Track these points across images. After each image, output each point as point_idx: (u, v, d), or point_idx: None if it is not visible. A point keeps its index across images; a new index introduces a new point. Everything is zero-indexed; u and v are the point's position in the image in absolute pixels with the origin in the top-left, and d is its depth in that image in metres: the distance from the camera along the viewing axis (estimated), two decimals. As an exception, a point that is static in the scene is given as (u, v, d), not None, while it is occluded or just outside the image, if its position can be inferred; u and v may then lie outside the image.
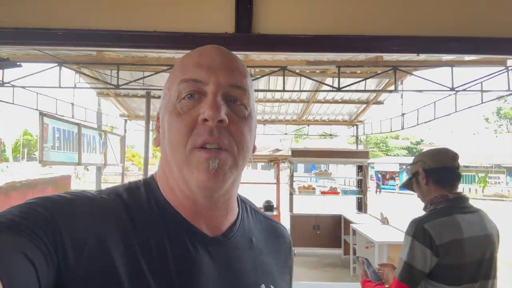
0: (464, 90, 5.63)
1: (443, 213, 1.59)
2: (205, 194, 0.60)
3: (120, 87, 5.85)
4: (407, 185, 1.81)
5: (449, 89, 5.37)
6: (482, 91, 5.71)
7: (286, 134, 11.72)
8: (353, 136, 11.28)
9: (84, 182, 28.57)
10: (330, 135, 12.46)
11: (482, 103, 5.68)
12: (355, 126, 10.70)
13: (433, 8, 1.75)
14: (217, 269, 0.60)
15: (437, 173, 1.69)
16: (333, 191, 7.80)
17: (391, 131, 9.60)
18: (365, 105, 9.36)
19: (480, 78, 5.87)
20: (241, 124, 0.60)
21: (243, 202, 0.75)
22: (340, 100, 9.07)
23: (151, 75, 5.97)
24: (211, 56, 0.62)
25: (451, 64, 5.67)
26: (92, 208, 0.56)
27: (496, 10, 1.73)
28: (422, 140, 43.41)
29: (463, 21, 1.72)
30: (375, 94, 8.64)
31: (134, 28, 1.65)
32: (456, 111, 6.52)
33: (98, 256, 0.51)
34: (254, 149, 0.68)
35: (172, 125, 0.59)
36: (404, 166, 31.78)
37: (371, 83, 7.62)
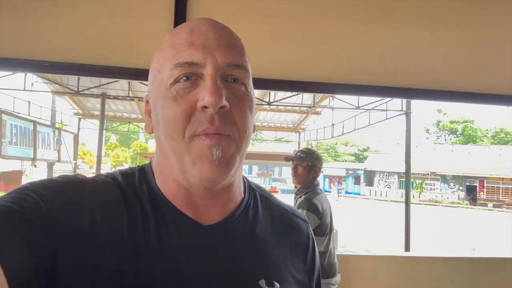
0: (372, 109, 6.88)
1: (317, 193, 2.58)
2: (206, 186, 0.55)
3: (80, 92, 6.36)
4: (298, 166, 2.70)
5: (355, 107, 6.62)
6: (387, 110, 6.96)
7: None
8: (304, 141, 12.39)
9: (31, 179, 27.69)
10: (287, 141, 13.49)
11: (386, 119, 6.94)
12: (298, 133, 11.78)
13: (366, 61, 2.26)
14: (206, 259, 0.56)
15: (319, 170, 2.70)
16: (273, 190, 8.77)
17: (324, 139, 10.80)
18: (305, 115, 10.43)
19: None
20: (242, 107, 0.55)
21: (252, 189, 0.69)
22: (283, 110, 10.06)
23: (109, 83, 6.51)
24: (204, 33, 0.56)
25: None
26: (84, 192, 0.55)
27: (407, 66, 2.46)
28: (368, 148, 46.20)
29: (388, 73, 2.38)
30: (313, 105, 9.73)
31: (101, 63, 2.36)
32: (358, 128, 7.75)
33: (86, 245, 0.51)
34: (254, 129, 0.63)
35: (168, 112, 0.54)
36: (350, 171, 33.78)
37: (309, 96, 8.66)
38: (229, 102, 0.53)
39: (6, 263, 0.42)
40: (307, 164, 2.63)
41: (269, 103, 6.92)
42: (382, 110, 7.05)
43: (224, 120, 0.53)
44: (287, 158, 2.71)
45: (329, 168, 33.20)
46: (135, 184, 0.60)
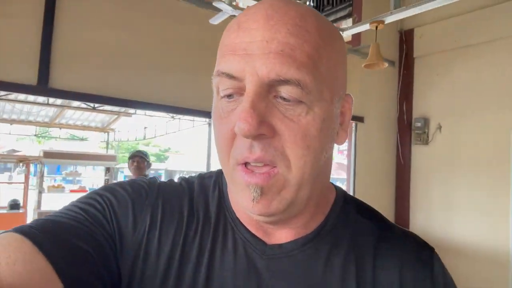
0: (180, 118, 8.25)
1: None
2: (257, 218, 0.48)
3: None
4: (140, 163, 3.55)
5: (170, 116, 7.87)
6: (194, 120, 8.47)
7: (35, 135, 11.55)
8: (104, 141, 12.46)
9: None
10: (82, 138, 13.11)
11: (193, 127, 8.49)
12: (107, 133, 11.90)
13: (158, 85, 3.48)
14: (265, 284, 0.49)
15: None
16: (81, 189, 8.84)
17: (136, 140, 11.48)
18: (116, 116, 10.76)
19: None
20: (294, 131, 0.43)
21: (345, 204, 0.57)
22: (94, 109, 10.09)
23: None
24: (251, 32, 0.43)
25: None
26: (148, 197, 0.53)
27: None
28: (169, 148, 47.86)
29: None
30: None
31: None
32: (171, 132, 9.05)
33: (143, 251, 0.50)
34: (342, 138, 0.51)
35: (216, 131, 0.48)
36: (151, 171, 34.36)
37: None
38: (276, 125, 0.42)
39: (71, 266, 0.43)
40: (147, 162, 3.59)
41: (93, 108, 7.14)
42: (190, 120, 8.40)
43: (267, 148, 0.43)
44: (133, 155, 3.59)
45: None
46: (209, 189, 0.57)
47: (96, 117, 10.81)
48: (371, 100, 4.88)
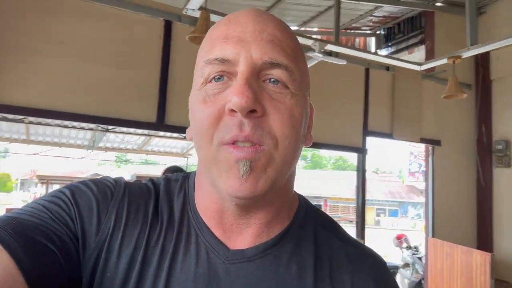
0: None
1: None
2: (235, 202, 0.48)
3: None
4: None
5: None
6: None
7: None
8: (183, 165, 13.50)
9: None
10: (154, 163, 14.23)
11: None
12: (186, 158, 12.88)
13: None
14: None
15: None
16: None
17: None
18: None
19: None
20: (281, 112, 0.46)
21: (307, 216, 0.58)
22: (175, 138, 11.07)
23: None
24: (242, 25, 0.48)
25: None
26: (116, 197, 0.53)
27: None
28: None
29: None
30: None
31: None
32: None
33: (106, 250, 0.50)
34: (309, 140, 0.54)
35: (197, 116, 0.48)
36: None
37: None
38: (265, 105, 0.45)
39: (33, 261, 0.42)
40: None
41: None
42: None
43: (256, 127, 0.45)
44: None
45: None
46: (174, 192, 0.57)
47: (178, 144, 11.81)
48: (448, 123, 4.94)
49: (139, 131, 8.76)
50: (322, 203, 33.52)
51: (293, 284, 0.51)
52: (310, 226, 0.58)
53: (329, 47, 3.04)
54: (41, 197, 0.52)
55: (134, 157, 13.13)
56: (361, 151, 4.52)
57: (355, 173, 4.65)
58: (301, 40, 3.23)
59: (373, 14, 5.50)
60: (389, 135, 4.62)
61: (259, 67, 0.47)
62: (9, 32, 2.85)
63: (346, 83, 4.44)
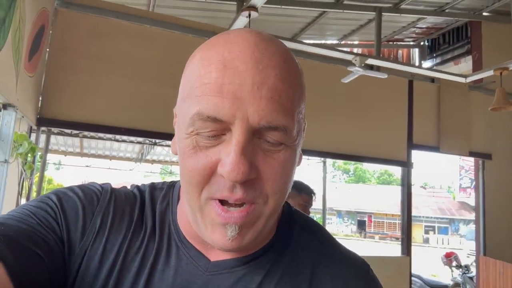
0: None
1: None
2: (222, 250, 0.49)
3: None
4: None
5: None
6: (309, 159, 8.97)
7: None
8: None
9: None
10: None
11: (308, 165, 8.95)
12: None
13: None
14: None
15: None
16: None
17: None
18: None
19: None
20: (274, 169, 0.44)
21: (290, 222, 0.57)
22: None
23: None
24: (239, 75, 0.42)
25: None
26: (99, 203, 0.53)
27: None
28: (275, 184, 49.00)
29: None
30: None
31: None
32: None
33: (90, 256, 0.50)
34: (300, 159, 0.52)
35: (186, 161, 0.45)
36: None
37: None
38: (259, 166, 0.44)
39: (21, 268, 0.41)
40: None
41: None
42: (308, 158, 8.89)
43: (249, 189, 0.43)
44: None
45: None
46: (157, 201, 0.57)
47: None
48: (499, 136, 4.72)
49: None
50: (366, 219, 32.70)
51: None
52: (293, 233, 0.57)
53: (370, 61, 3.05)
54: (27, 202, 0.52)
55: (178, 169, 13.54)
56: (405, 164, 4.42)
57: (400, 187, 4.54)
58: (340, 55, 3.27)
59: (416, 26, 5.42)
60: (436, 149, 4.49)
61: (255, 130, 0.43)
62: (69, 55, 3.13)
63: (389, 96, 4.39)
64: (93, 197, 0.54)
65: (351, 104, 4.16)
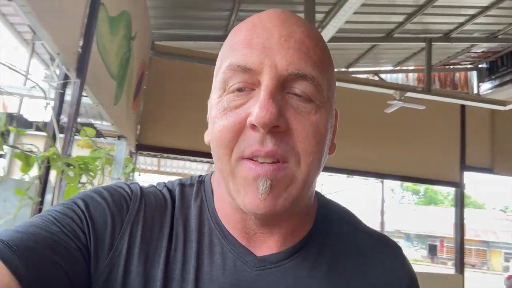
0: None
1: None
2: (256, 217, 0.48)
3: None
4: None
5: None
6: (367, 179, 9.15)
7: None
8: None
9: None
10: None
11: (366, 185, 9.04)
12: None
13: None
14: None
15: None
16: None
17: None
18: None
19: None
20: (306, 128, 0.44)
21: (326, 215, 0.57)
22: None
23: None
24: (267, 30, 0.45)
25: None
26: (129, 210, 0.51)
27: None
28: (339, 204, 48.01)
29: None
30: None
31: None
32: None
33: (120, 267, 0.48)
34: (333, 148, 0.52)
35: (216, 126, 0.46)
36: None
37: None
38: (290, 120, 0.44)
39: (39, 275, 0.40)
40: None
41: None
42: (365, 178, 9.10)
43: (280, 142, 0.43)
44: None
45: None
46: (190, 199, 0.55)
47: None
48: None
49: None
50: (437, 243, 30.67)
51: (324, 283, 0.51)
52: (332, 224, 0.56)
53: (411, 94, 3.40)
54: (54, 207, 0.49)
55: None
56: (458, 185, 4.59)
57: (477, 211, 4.69)
58: (382, 90, 3.68)
59: (471, 51, 5.57)
60: (489, 170, 4.60)
61: (284, 78, 0.44)
62: (159, 93, 3.96)
63: (441, 118, 4.64)
64: (123, 203, 0.51)
65: (405, 128, 4.52)
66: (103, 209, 0.50)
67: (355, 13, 3.01)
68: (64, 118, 1.58)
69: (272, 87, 0.43)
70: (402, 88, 3.46)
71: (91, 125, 3.59)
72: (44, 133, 1.42)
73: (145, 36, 3.45)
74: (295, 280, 0.50)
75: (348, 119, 4.67)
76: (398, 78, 6.35)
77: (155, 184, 0.58)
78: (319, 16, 3.73)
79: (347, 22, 3.16)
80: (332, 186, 12.38)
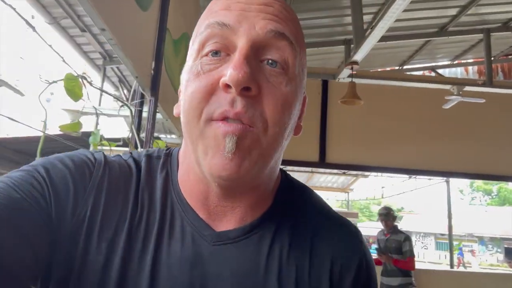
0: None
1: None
2: (218, 183, 0.47)
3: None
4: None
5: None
6: (431, 179, 8.71)
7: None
8: (343, 200, 13.98)
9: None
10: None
11: (429, 185, 8.69)
12: (347, 193, 13.40)
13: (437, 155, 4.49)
14: (211, 271, 0.49)
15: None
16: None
17: (366, 199, 12.36)
18: (355, 178, 12.12)
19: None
20: (276, 96, 0.45)
21: (289, 190, 0.57)
22: (336, 173, 11.81)
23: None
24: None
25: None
26: (93, 176, 0.50)
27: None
28: (402, 208, 46.12)
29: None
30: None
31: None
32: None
33: (82, 235, 0.47)
34: (299, 129, 0.54)
35: (188, 89, 0.46)
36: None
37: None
38: (261, 87, 0.44)
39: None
40: (392, 217, 4.28)
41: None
42: (429, 179, 8.77)
43: (249, 106, 0.43)
44: (379, 214, 4.37)
45: (363, 227, 33.40)
46: (156, 170, 0.55)
47: (338, 180, 12.48)
48: None
49: (302, 168, 9.80)
50: (515, 247, 28.17)
51: (277, 262, 0.51)
52: (293, 202, 0.57)
53: (471, 88, 3.30)
54: (12, 172, 0.47)
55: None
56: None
57: None
58: (438, 86, 3.61)
59: (537, 38, 5.21)
60: None
61: (260, 40, 0.45)
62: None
63: (509, 110, 4.42)
64: (85, 170, 0.50)
65: (467, 122, 4.37)
66: (64, 175, 0.48)
67: (405, 10, 3.01)
68: (142, 133, 1.81)
69: (247, 50, 0.44)
70: (460, 83, 3.36)
71: (158, 138, 3.91)
72: (123, 148, 1.63)
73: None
74: (250, 257, 0.51)
75: (407, 118, 4.66)
76: (457, 72, 6.11)
77: (120, 154, 0.57)
78: (367, 18, 3.76)
79: (397, 20, 3.17)
80: (396, 189, 11.97)
